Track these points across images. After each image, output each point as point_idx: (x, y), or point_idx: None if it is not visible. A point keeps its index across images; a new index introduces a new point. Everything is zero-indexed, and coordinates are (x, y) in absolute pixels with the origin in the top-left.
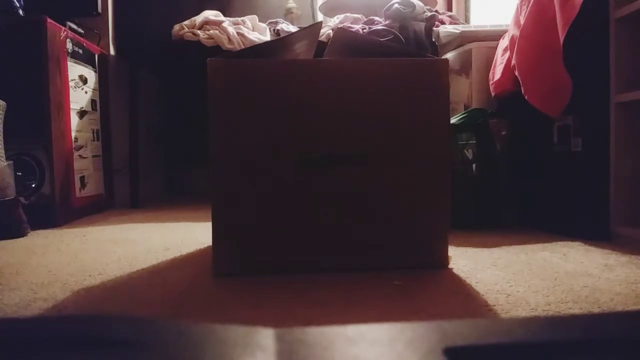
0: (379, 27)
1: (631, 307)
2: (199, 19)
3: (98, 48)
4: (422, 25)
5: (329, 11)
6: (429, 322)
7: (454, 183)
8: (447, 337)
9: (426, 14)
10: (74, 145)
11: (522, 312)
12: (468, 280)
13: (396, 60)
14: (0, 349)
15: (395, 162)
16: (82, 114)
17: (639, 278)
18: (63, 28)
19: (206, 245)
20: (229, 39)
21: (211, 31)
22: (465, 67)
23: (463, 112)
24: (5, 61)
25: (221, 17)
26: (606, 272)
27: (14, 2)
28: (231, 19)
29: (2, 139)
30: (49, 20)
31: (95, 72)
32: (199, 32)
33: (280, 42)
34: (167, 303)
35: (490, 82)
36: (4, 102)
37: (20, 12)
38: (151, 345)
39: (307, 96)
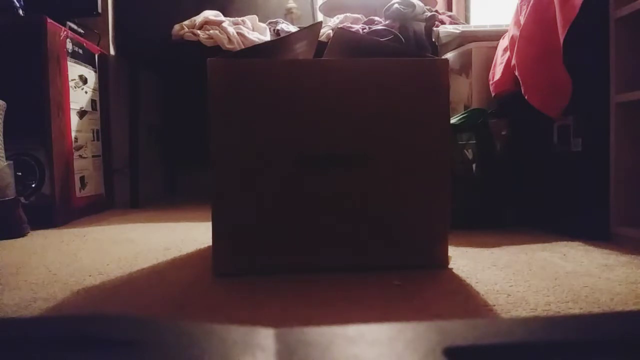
0: (379, 27)
1: (631, 307)
2: (199, 19)
3: (98, 48)
4: (422, 25)
5: (329, 11)
6: (429, 322)
7: (454, 183)
8: (447, 337)
9: (426, 14)
10: (74, 145)
11: (522, 312)
12: (468, 280)
13: (396, 60)
14: (0, 349)
15: (395, 162)
16: (82, 114)
17: (639, 278)
18: (63, 28)
19: (206, 245)
20: (229, 39)
21: (211, 31)
22: (465, 67)
23: (463, 112)
24: (5, 61)
25: (221, 17)
26: (606, 272)
27: (14, 2)
28: (231, 19)
29: (2, 139)
30: (49, 20)
31: (95, 72)
32: (199, 32)
33: (280, 42)
34: (167, 303)
35: (490, 82)
36: (3, 102)
37: (20, 12)
38: (151, 345)
39: (307, 96)
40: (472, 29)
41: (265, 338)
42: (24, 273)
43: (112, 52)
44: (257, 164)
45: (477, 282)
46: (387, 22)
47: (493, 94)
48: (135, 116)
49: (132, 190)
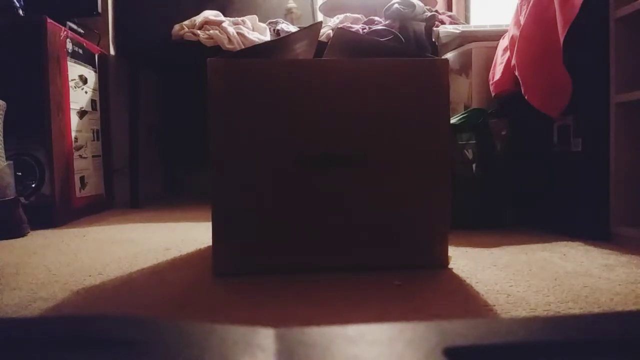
0: (379, 27)
1: (631, 307)
2: (199, 19)
3: (98, 48)
4: (422, 25)
5: (329, 11)
6: (429, 322)
7: (454, 183)
8: (447, 337)
9: (426, 14)
10: (74, 145)
11: (522, 312)
12: (468, 280)
13: (396, 60)
14: (0, 349)
15: (395, 162)
16: (82, 114)
17: (639, 278)
18: (63, 28)
19: (206, 245)
20: (229, 39)
21: (211, 31)
22: (465, 67)
23: (463, 112)
24: (5, 61)
25: (221, 17)
26: (606, 272)
27: (14, 2)
28: (231, 19)
29: (2, 139)
30: (49, 20)
31: (95, 72)
32: (199, 32)
33: (280, 42)
34: (167, 303)
35: (490, 82)
36: (3, 102)
37: (20, 12)
38: (151, 345)
39: (307, 96)
40: (472, 29)
41: (265, 338)
42: (24, 273)
43: (112, 52)
44: (257, 164)
45: (477, 282)
46: (387, 22)
47: (493, 94)
48: (135, 116)
49: (132, 190)
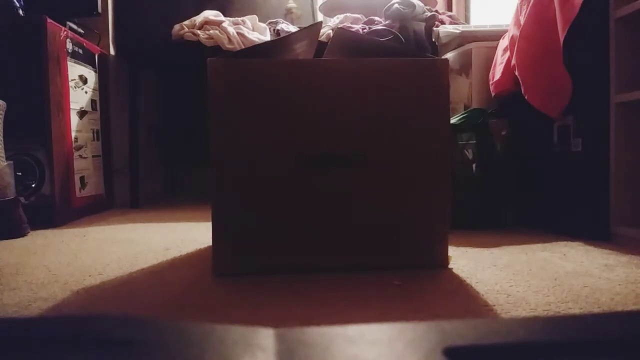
0: (379, 27)
1: (631, 307)
2: (199, 19)
3: (98, 48)
4: (422, 25)
5: (329, 11)
6: (429, 322)
7: (454, 183)
8: (447, 337)
9: (426, 14)
10: (74, 145)
11: (522, 312)
12: (468, 280)
13: (396, 60)
14: (1, 349)
15: (395, 162)
16: (82, 114)
17: (639, 278)
18: (63, 28)
19: (206, 245)
20: (229, 39)
21: (211, 31)
22: (465, 67)
23: (463, 112)
24: (5, 61)
25: (221, 17)
26: (606, 272)
27: (14, 2)
28: (231, 19)
29: (2, 139)
30: (49, 20)
31: (95, 72)
32: (199, 32)
33: (280, 42)
34: (167, 303)
35: (490, 82)
36: (3, 102)
37: (20, 12)
38: (151, 345)
39: (307, 96)
40: (472, 29)
41: (265, 338)
42: (24, 273)
43: (112, 52)
44: (257, 164)
45: (477, 282)
46: (387, 22)
47: (493, 94)
48: (135, 116)
49: (132, 190)
